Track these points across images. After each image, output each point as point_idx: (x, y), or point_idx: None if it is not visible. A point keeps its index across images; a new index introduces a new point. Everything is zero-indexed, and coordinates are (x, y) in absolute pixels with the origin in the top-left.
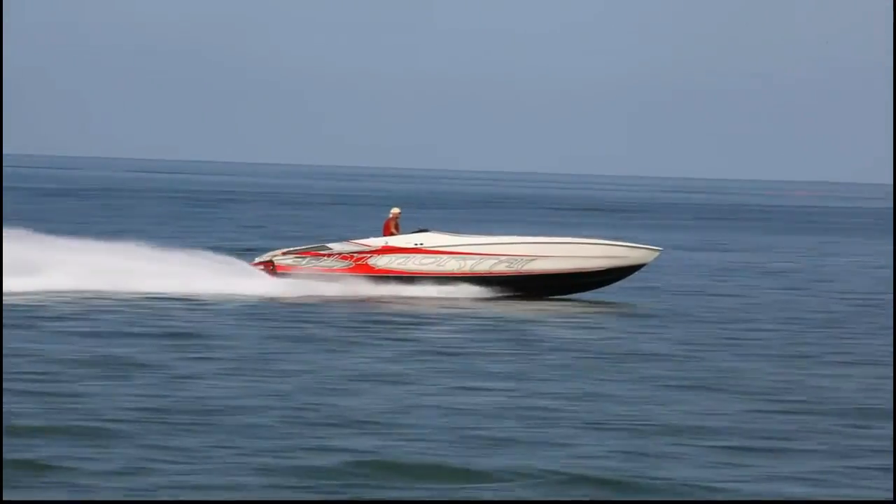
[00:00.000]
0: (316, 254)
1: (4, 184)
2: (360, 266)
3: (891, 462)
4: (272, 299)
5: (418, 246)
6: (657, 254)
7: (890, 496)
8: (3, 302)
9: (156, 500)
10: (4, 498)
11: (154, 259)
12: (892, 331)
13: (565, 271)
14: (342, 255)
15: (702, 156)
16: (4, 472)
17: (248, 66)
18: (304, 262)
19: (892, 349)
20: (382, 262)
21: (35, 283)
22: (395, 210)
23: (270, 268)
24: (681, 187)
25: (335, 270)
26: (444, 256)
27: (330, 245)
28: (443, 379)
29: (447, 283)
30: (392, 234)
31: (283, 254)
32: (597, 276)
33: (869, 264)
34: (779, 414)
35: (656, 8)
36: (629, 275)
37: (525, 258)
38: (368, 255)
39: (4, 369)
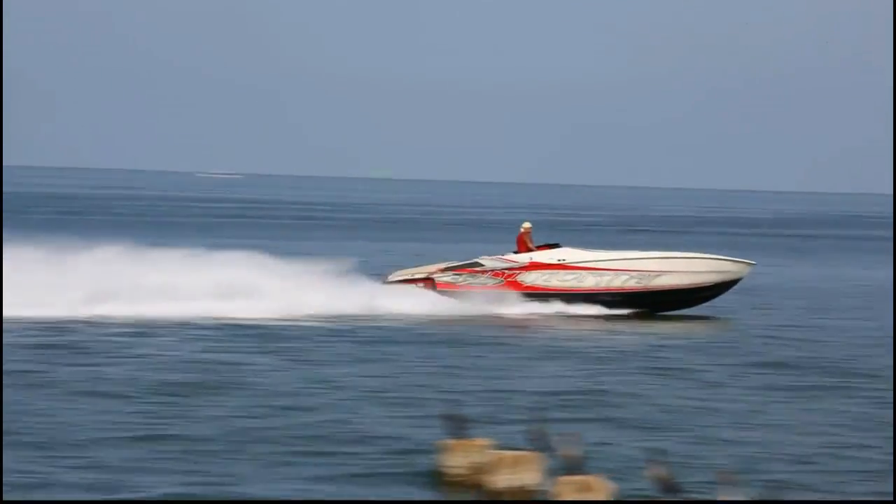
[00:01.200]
0: (471, 271)
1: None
2: (510, 283)
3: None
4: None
5: (561, 262)
6: (752, 267)
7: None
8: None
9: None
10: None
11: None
12: None
13: (685, 287)
14: (494, 273)
15: None
16: None
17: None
18: (461, 280)
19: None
20: (530, 278)
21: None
22: (527, 225)
23: (430, 285)
24: None
25: (489, 287)
26: (584, 272)
27: (482, 262)
28: None
29: (584, 299)
30: (529, 248)
31: (441, 271)
32: (709, 291)
33: None
34: None
35: None
36: (729, 289)
37: (652, 274)
38: (517, 272)
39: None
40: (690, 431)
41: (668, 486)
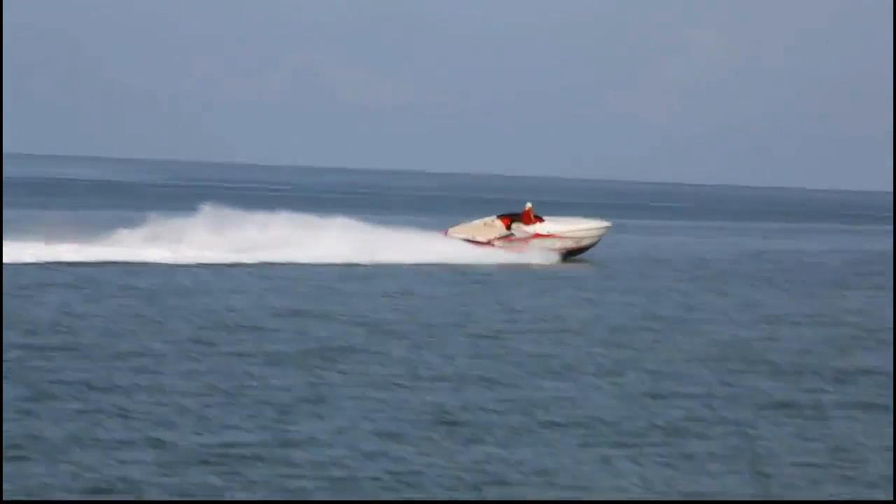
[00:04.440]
0: (510, 239)
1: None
2: (526, 247)
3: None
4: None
5: (549, 232)
6: (610, 227)
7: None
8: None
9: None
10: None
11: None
12: None
13: (588, 245)
14: (520, 240)
15: None
16: None
17: None
18: (507, 245)
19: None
20: (535, 243)
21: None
22: (529, 204)
23: (490, 246)
24: None
25: (518, 249)
26: (556, 238)
27: (514, 231)
28: None
29: (554, 255)
30: (533, 222)
31: (497, 239)
32: (592, 247)
33: None
34: None
35: None
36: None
37: (581, 238)
38: (529, 240)
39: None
40: None
41: None
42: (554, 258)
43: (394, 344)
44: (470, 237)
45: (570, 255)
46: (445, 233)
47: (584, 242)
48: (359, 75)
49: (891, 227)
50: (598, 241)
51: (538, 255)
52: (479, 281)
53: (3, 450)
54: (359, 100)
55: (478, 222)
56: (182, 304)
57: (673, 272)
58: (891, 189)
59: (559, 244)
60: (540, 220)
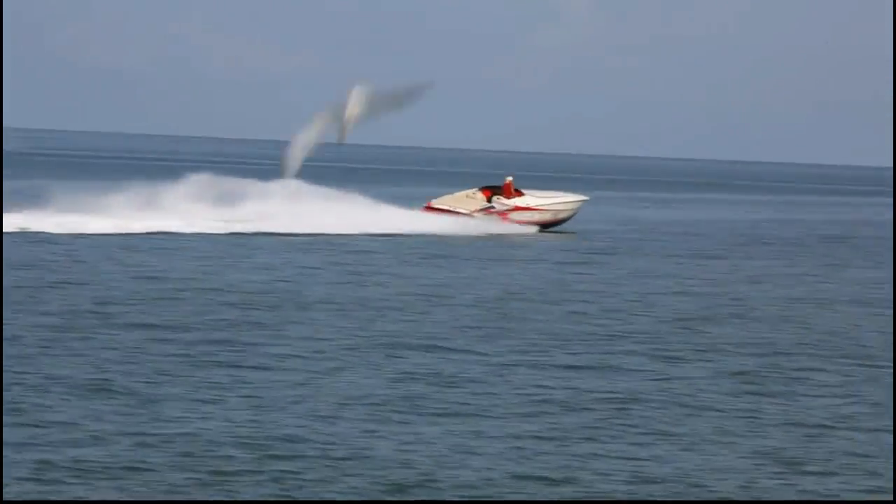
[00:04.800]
0: (489, 211)
1: None
2: (506, 219)
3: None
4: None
5: (528, 205)
6: (587, 200)
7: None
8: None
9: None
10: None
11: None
12: None
13: (565, 218)
14: (499, 213)
15: None
16: None
17: None
18: (486, 217)
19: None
20: (514, 216)
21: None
22: (510, 178)
23: (470, 216)
24: None
25: (498, 221)
26: (535, 211)
27: (494, 205)
28: None
29: (533, 226)
30: (513, 195)
31: (477, 211)
32: (568, 220)
33: None
34: None
35: None
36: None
37: (558, 211)
38: (509, 212)
39: None
40: None
41: None
42: (532, 230)
43: (268, 316)
44: (452, 208)
45: (547, 227)
46: (429, 204)
47: (562, 216)
48: (229, 44)
49: (769, 198)
50: (575, 214)
51: (516, 227)
52: (356, 251)
53: None
54: (228, 71)
55: (460, 194)
56: (50, 276)
57: (545, 241)
58: (767, 159)
59: (538, 217)
60: (520, 193)
